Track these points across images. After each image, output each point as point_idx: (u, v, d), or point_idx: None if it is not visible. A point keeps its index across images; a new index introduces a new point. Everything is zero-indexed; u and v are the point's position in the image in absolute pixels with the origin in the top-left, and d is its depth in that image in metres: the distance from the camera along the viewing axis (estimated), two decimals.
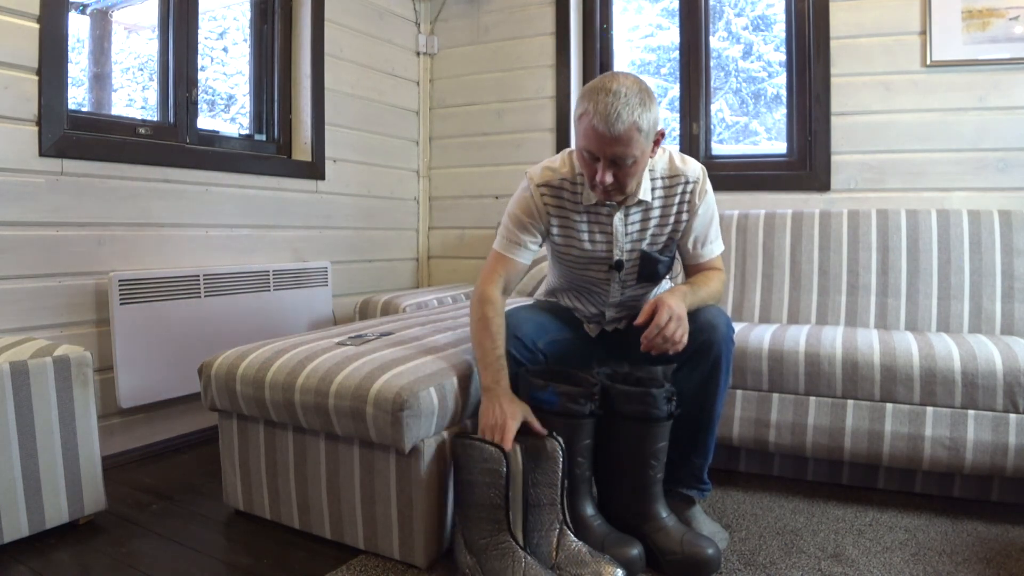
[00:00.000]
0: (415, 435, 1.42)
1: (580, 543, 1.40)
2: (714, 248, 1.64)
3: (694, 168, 1.59)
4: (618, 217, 1.57)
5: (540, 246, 1.65)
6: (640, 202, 1.56)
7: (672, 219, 1.59)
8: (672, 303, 1.44)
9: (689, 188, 1.57)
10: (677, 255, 1.69)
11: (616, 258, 1.60)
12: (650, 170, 1.57)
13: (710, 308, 1.58)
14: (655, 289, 1.74)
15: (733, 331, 1.59)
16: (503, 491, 1.36)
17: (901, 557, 1.51)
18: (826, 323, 2.25)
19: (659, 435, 1.49)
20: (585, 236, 1.60)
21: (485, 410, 1.45)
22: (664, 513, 1.51)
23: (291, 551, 1.57)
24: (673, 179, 1.57)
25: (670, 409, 1.47)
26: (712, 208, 1.62)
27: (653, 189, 1.57)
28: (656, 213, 1.59)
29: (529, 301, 1.92)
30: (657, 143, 1.47)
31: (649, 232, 1.60)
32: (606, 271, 1.63)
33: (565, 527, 1.42)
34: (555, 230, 1.61)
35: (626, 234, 1.59)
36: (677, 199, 1.58)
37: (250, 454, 1.70)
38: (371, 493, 1.52)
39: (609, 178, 1.42)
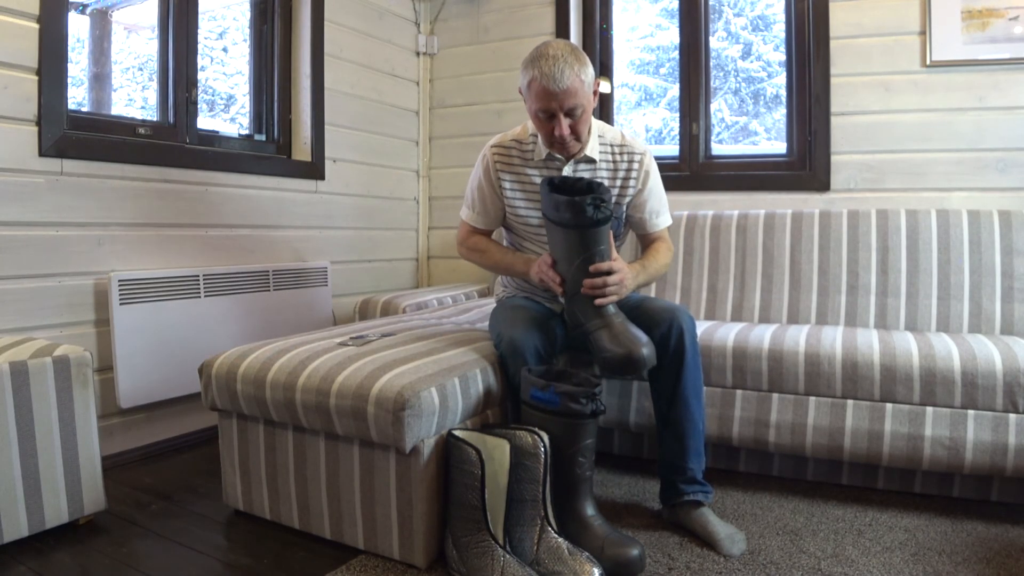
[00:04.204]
0: (416, 435, 1.42)
1: (561, 539, 1.41)
2: (664, 220, 1.86)
3: (641, 144, 1.81)
4: (567, 171, 1.74)
5: (503, 211, 1.84)
6: (588, 159, 1.74)
7: (619, 183, 1.78)
8: (627, 273, 1.62)
9: (636, 159, 1.77)
10: (622, 232, 1.87)
11: None
12: (600, 135, 1.77)
13: (669, 309, 1.69)
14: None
15: (694, 324, 1.69)
16: (479, 492, 1.38)
17: (901, 557, 1.51)
18: (826, 323, 2.25)
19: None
20: (537, 184, 1.75)
21: (532, 270, 1.69)
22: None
23: (291, 551, 1.57)
24: (621, 148, 1.78)
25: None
26: (660, 182, 1.84)
27: (601, 151, 1.76)
28: (603, 174, 1.76)
29: (492, 303, 2.02)
30: (595, 94, 1.68)
31: None
32: None
33: (546, 523, 1.43)
34: (507, 186, 1.79)
35: None
36: (624, 167, 1.77)
37: (250, 454, 1.70)
38: (371, 493, 1.52)
39: (567, 130, 1.62)
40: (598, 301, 1.57)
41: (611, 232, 1.60)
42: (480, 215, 1.86)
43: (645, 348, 1.52)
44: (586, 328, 1.60)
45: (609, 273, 1.56)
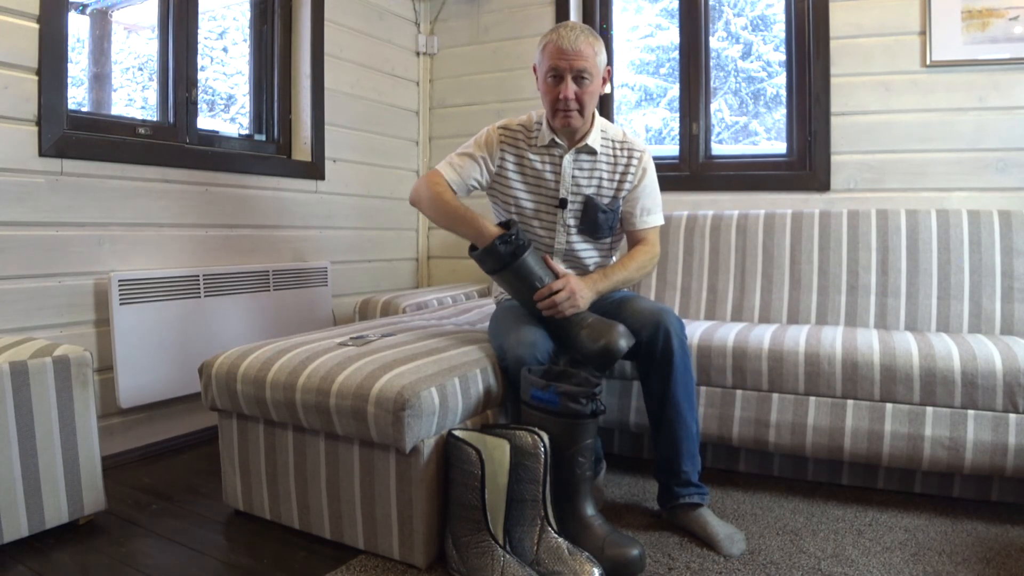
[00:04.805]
0: (416, 435, 1.42)
1: (560, 539, 1.41)
2: (654, 220, 1.87)
3: (641, 143, 1.86)
4: (568, 159, 1.78)
5: (479, 186, 1.83)
6: (589, 149, 1.78)
7: (617, 178, 1.82)
8: (576, 284, 1.67)
9: (636, 156, 1.82)
10: (619, 232, 1.90)
11: (561, 195, 1.80)
12: (602, 130, 1.81)
13: (655, 311, 1.68)
14: (596, 259, 1.89)
15: (682, 326, 1.69)
16: (479, 493, 1.38)
17: (901, 557, 1.51)
18: (826, 323, 2.25)
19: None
20: (538, 169, 1.80)
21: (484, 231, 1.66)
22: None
23: (291, 551, 1.57)
24: (622, 144, 1.83)
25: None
26: (656, 183, 1.87)
27: (603, 144, 1.80)
28: (603, 167, 1.81)
29: (492, 304, 2.02)
30: (605, 81, 1.75)
31: (594, 182, 1.81)
32: (553, 210, 1.81)
33: (546, 523, 1.43)
34: (510, 166, 1.81)
35: (572, 176, 1.79)
36: (624, 161, 1.82)
37: (250, 454, 1.70)
38: (371, 493, 1.52)
39: (572, 93, 1.66)
40: (552, 313, 1.65)
41: (542, 256, 1.72)
42: (456, 176, 1.78)
43: (623, 339, 1.58)
44: (570, 339, 1.65)
45: (554, 292, 1.64)
